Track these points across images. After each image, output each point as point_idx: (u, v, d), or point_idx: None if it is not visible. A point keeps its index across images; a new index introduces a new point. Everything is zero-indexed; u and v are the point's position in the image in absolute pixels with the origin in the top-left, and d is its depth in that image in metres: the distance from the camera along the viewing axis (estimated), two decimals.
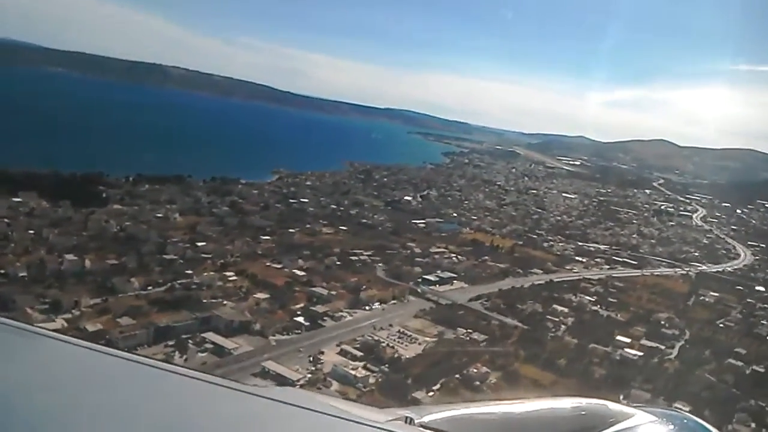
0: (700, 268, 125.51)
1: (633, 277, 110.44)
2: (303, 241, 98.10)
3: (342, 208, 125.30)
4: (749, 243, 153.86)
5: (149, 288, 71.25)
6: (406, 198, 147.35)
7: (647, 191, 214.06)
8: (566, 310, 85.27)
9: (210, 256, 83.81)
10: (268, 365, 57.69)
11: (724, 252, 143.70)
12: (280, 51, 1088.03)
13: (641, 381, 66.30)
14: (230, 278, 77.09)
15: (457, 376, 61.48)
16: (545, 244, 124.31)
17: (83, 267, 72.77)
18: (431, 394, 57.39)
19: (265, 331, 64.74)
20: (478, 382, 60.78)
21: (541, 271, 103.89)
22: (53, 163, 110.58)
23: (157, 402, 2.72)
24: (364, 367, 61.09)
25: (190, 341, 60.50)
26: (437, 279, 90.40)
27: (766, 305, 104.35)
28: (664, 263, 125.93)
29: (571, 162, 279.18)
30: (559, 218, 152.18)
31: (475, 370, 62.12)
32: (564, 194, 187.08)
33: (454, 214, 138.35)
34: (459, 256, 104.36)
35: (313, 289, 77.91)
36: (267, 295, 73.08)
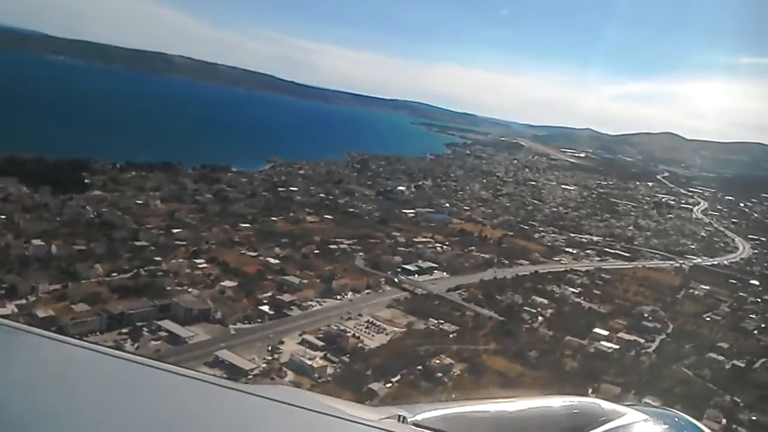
0: (694, 260, 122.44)
1: (623, 269, 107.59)
2: (284, 229, 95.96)
3: (331, 197, 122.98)
4: (749, 236, 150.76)
5: (113, 274, 69.17)
6: (400, 188, 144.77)
7: (650, 184, 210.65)
8: (546, 301, 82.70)
9: (184, 243, 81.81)
10: (222, 354, 55.61)
11: (722, 245, 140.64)
12: (288, 41, 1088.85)
13: (613, 375, 63.78)
14: (200, 265, 75.01)
15: (419, 367, 59.14)
16: (536, 235, 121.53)
17: (49, 252, 70.87)
18: (389, 385, 55.15)
19: (226, 320, 62.63)
20: (440, 374, 58.46)
21: (527, 262, 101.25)
22: (45, 149, 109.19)
23: (157, 402, 2.66)
24: (324, 358, 58.86)
25: (145, 329, 58.50)
26: (416, 269, 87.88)
27: (757, 299, 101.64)
28: (657, 256, 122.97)
29: (575, 154, 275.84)
30: (554, 209, 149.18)
31: (437, 362, 59.68)
32: (563, 186, 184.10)
33: (447, 205, 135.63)
34: (444, 246, 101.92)
35: (285, 277, 75.65)
36: (234, 283, 70.88)
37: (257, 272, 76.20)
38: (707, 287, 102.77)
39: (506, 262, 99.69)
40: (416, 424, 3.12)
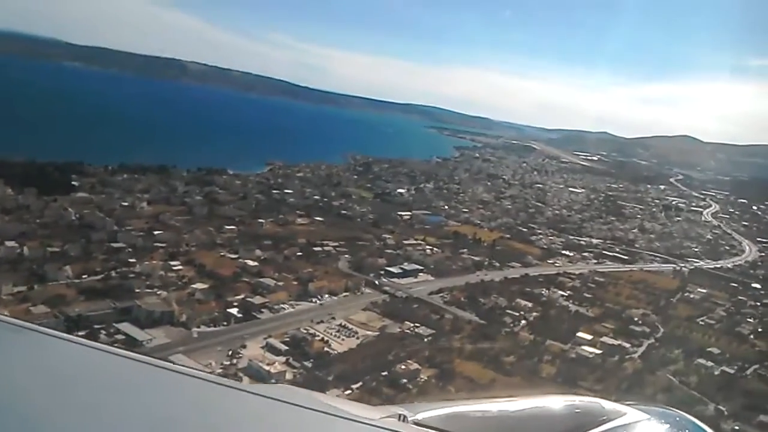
0: (696, 263, 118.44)
1: (619, 272, 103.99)
2: (270, 231, 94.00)
3: (326, 200, 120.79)
4: (758, 240, 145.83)
5: (83, 276, 67.57)
6: (399, 190, 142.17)
7: (661, 187, 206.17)
8: (530, 305, 79.69)
9: (163, 245, 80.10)
10: (177, 358, 53.31)
11: (727, 248, 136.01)
12: (303, 47, 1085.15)
13: (591, 381, 60.69)
14: (174, 267, 73.14)
15: (384, 373, 56.60)
16: (533, 238, 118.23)
17: (20, 254, 69.43)
18: (348, 392, 52.63)
19: (190, 323, 60.59)
20: (404, 380, 55.88)
21: (519, 265, 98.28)
22: (47, 153, 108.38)
23: (157, 400, 2.68)
24: (286, 362, 56.61)
25: (102, 332, 56.56)
26: (400, 271, 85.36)
27: (756, 303, 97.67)
28: (658, 258, 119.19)
29: (588, 157, 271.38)
30: (557, 212, 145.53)
31: (403, 368, 57.11)
32: (570, 189, 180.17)
33: (445, 207, 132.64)
34: (434, 249, 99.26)
35: (261, 279, 73.57)
36: (205, 286, 68.91)
37: (233, 274, 74.21)
38: (705, 290, 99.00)
39: (497, 264, 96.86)
40: (417, 423, 3.09)
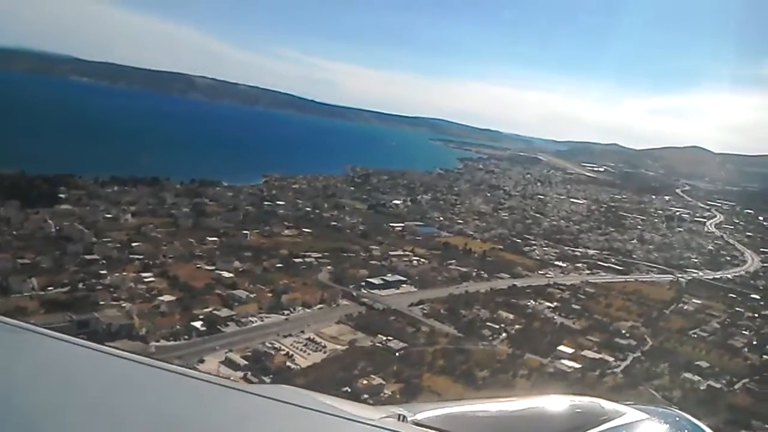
0: (694, 274, 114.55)
1: (612, 283, 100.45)
2: (254, 243, 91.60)
3: (317, 211, 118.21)
4: (761, 250, 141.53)
5: (49, 288, 65.27)
6: (395, 201, 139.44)
7: (666, 197, 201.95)
8: (513, 317, 76.43)
9: (139, 256, 77.82)
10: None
11: (728, 258, 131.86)
12: (311, 61, 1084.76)
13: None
14: (146, 279, 70.72)
15: (345, 388, 53.55)
16: (526, 249, 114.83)
17: None
18: None
19: (149, 336, 58.02)
20: (365, 395, 52.79)
21: (508, 276, 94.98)
22: (37, 165, 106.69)
23: (156, 401, 2.66)
24: (243, 378, 53.70)
25: None
26: (382, 283, 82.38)
27: (754, 314, 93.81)
28: (655, 269, 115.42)
29: (594, 168, 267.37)
30: (554, 223, 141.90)
31: (365, 382, 54.15)
32: (572, 199, 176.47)
33: (440, 218, 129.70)
34: (421, 260, 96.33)
35: (234, 291, 70.93)
36: (173, 298, 66.33)
37: (205, 286, 71.59)
38: (700, 302, 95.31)
39: (485, 275, 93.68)
40: (417, 423, 3.06)
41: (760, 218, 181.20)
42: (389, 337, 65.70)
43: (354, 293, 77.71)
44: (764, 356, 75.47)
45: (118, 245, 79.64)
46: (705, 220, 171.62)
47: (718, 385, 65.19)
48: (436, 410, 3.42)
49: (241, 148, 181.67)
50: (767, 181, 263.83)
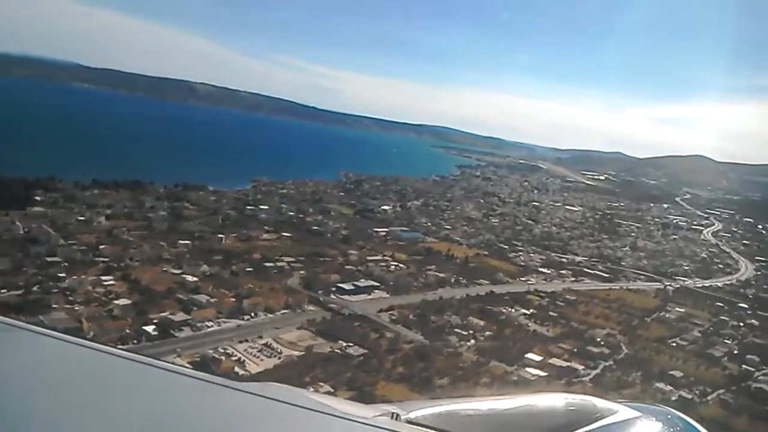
0: (683, 282, 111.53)
1: (595, 290, 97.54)
2: (228, 247, 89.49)
3: (301, 216, 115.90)
4: (757, 258, 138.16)
5: (2, 291, 63.36)
6: (384, 207, 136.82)
7: (665, 205, 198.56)
8: (483, 323, 73.82)
9: (105, 259, 75.84)
10: None
11: (721, 267, 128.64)
12: (315, 69, 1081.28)
13: None
14: (105, 282, 68.67)
15: None
16: (512, 255, 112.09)
17: None
18: None
19: (96, 341, 55.32)
20: None
21: (488, 282, 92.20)
22: (21, 168, 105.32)
23: (154, 400, 2.68)
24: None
25: None
26: (353, 288, 79.92)
27: (739, 323, 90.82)
28: (643, 277, 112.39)
29: (595, 177, 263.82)
30: (546, 230, 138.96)
31: (312, 390, 51.52)
32: (567, 207, 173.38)
33: (428, 224, 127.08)
34: (399, 265, 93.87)
35: (195, 296, 68.77)
36: (128, 301, 64.18)
37: (167, 290, 69.43)
38: (684, 310, 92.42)
39: (463, 282, 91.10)
40: (410, 422, 3.02)
41: (759, 227, 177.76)
42: (350, 344, 63.29)
43: (321, 299, 75.27)
44: (743, 366, 72.43)
45: (84, 248, 77.69)
46: (702, 228, 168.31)
47: (689, 396, 62.39)
48: (429, 408, 3.36)
49: (235, 154, 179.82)
50: None
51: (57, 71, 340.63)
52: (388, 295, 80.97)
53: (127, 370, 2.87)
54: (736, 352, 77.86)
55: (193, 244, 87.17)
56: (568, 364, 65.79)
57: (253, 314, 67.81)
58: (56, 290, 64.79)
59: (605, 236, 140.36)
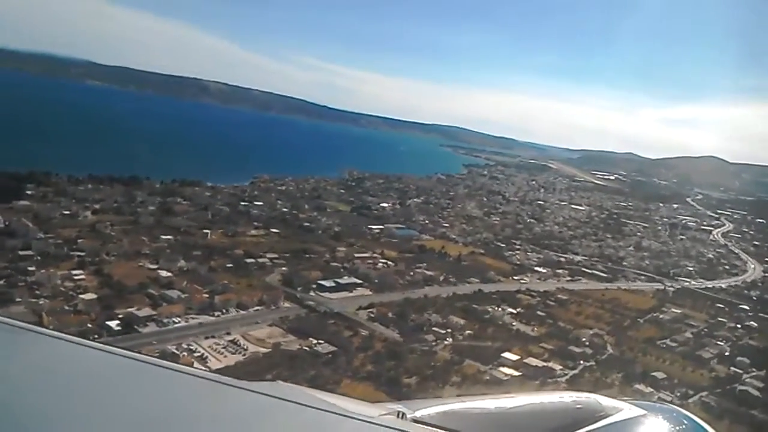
0: (685, 283, 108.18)
1: (590, 290, 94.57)
2: (213, 242, 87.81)
3: (295, 212, 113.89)
4: (766, 259, 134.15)
5: None
6: (383, 205, 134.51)
7: (674, 206, 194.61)
8: (463, 322, 71.26)
9: (81, 253, 74.19)
10: None
11: (727, 267, 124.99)
12: (328, 68, 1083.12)
13: None
14: (76, 276, 66.98)
15: None
16: (508, 253, 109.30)
17: None
18: None
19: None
20: None
21: (478, 281, 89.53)
22: (21, 163, 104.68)
23: (155, 398, 2.66)
24: None
25: None
26: (334, 285, 77.61)
27: (737, 325, 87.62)
28: (643, 277, 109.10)
29: (605, 177, 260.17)
30: (548, 228, 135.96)
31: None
32: (573, 206, 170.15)
33: (426, 221, 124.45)
34: (388, 262, 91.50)
35: (167, 291, 66.86)
36: (95, 296, 62.41)
37: (139, 285, 67.48)
38: (680, 311, 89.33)
39: (452, 280, 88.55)
40: (416, 420, 3.02)
41: None
42: (320, 341, 61.06)
43: (299, 296, 73.04)
44: (732, 368, 69.32)
45: (60, 242, 76.14)
46: (712, 228, 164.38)
47: (669, 398, 59.08)
48: (435, 407, 3.34)
49: (240, 152, 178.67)
50: None
51: (70, 68, 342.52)
52: (370, 293, 78.58)
53: (131, 371, 2.78)
54: (727, 354, 74.73)
55: (176, 239, 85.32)
56: (546, 364, 63.06)
57: (224, 311, 65.69)
58: (22, 284, 63.11)
59: (609, 236, 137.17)
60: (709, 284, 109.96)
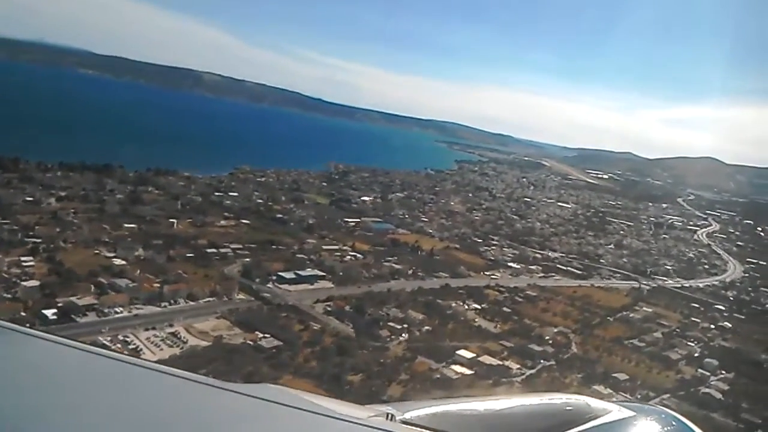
0: (661, 282, 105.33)
1: (562, 287, 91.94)
2: (178, 231, 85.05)
3: (269, 204, 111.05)
4: (748, 260, 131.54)
5: None
6: (364, 198, 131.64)
7: (664, 205, 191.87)
8: (422, 317, 68.43)
9: (36, 240, 71.44)
10: None
11: (707, 267, 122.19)
12: (327, 62, 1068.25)
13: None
14: (24, 263, 64.24)
15: None
16: (484, 249, 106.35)
17: None
18: None
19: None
20: None
21: (447, 275, 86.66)
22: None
23: (149, 402, 2.63)
24: None
25: None
26: (294, 277, 74.84)
27: (710, 325, 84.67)
28: (619, 275, 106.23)
29: (598, 175, 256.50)
30: (529, 225, 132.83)
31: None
32: (560, 204, 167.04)
33: (405, 216, 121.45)
34: (357, 255, 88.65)
35: (117, 280, 64.03)
36: (38, 283, 59.68)
37: (88, 273, 64.69)
38: (652, 310, 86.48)
39: (420, 274, 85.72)
40: (405, 422, 3.00)
41: (758, 229, 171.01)
42: (266, 335, 58.25)
43: (254, 287, 70.20)
44: (698, 370, 66.47)
45: (16, 228, 73.39)
46: (697, 228, 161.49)
47: (628, 398, 56.42)
48: (425, 409, 3.30)
49: (227, 143, 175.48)
50: None
51: (65, 57, 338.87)
52: (332, 286, 75.85)
53: (123, 373, 2.74)
54: (696, 355, 71.99)
55: (140, 228, 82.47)
56: (503, 362, 60.28)
57: (172, 301, 62.90)
58: None
59: (590, 233, 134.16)
60: (687, 283, 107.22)
